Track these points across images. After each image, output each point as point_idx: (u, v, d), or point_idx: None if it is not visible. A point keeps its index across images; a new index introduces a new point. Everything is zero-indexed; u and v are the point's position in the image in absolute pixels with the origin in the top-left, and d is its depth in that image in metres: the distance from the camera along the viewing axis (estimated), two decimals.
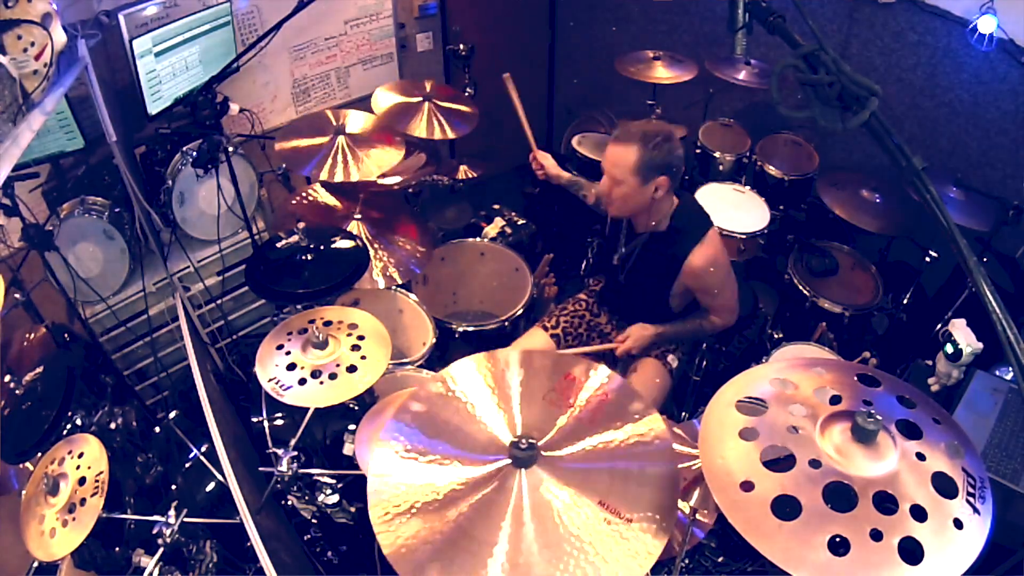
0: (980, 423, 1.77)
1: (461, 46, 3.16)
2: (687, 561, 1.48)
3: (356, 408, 1.90)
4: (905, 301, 2.66)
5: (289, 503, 1.80)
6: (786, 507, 0.95)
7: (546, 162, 2.26)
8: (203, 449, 1.92)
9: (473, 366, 1.27)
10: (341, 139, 2.35)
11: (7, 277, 2.04)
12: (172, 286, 2.56)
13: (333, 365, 1.64)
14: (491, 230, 2.94)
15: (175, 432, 1.95)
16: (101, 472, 1.48)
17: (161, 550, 1.51)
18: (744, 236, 2.59)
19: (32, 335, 1.96)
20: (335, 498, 1.76)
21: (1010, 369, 1.82)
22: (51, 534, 1.42)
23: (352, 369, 1.63)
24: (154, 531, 1.51)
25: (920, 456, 1.01)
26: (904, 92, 2.85)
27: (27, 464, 1.72)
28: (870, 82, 1.05)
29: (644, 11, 3.67)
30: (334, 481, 1.76)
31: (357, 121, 2.51)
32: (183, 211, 2.56)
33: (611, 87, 3.74)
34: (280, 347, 1.69)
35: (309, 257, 1.92)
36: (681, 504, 1.35)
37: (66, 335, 2.08)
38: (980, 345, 1.87)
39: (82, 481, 1.48)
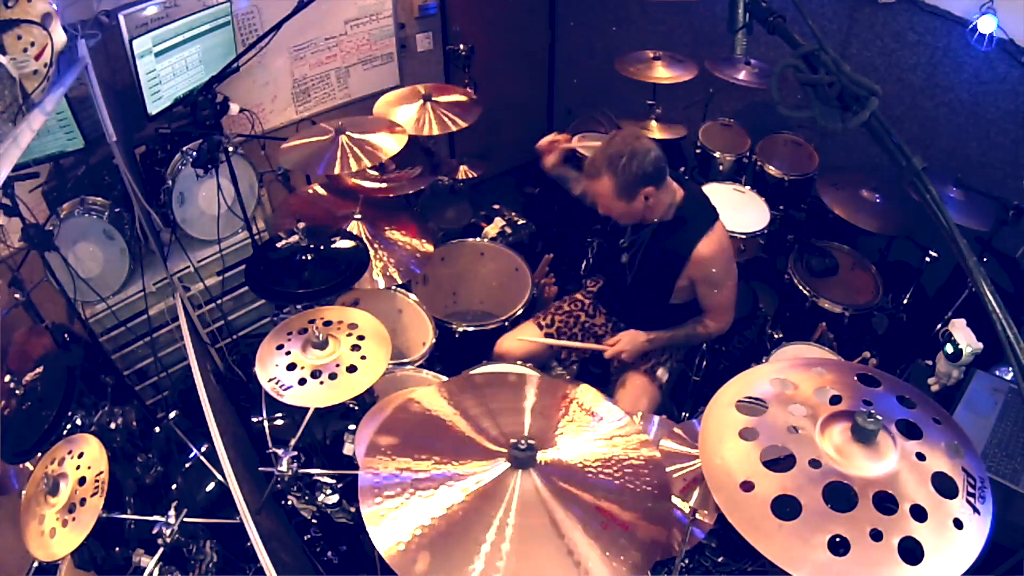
0: (980, 423, 1.77)
1: (461, 46, 3.16)
2: (687, 561, 1.48)
3: (356, 408, 1.90)
4: (905, 301, 2.66)
5: (289, 503, 1.80)
6: (786, 507, 0.95)
7: (556, 138, 2.15)
8: (203, 449, 1.92)
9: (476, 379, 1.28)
10: (343, 138, 2.35)
11: (7, 277, 2.04)
12: (172, 286, 2.56)
13: (333, 365, 1.64)
14: (491, 230, 2.94)
15: (175, 432, 1.95)
16: (101, 472, 1.48)
17: (161, 550, 1.51)
18: (744, 236, 2.59)
19: (32, 335, 1.96)
20: (335, 498, 1.76)
21: (1010, 369, 1.82)
22: (51, 534, 1.42)
23: (352, 369, 1.63)
24: (154, 531, 1.51)
25: (920, 456, 1.01)
26: (904, 92, 2.85)
27: (27, 464, 1.72)
28: (870, 82, 1.05)
29: (644, 11, 3.67)
30: (334, 481, 1.76)
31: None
32: (183, 211, 2.56)
33: (611, 87, 3.74)
34: (280, 347, 1.69)
35: (309, 257, 1.92)
36: (681, 504, 1.35)
37: (66, 335, 2.08)
38: (980, 345, 1.87)
39: (82, 481, 1.48)
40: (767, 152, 2.98)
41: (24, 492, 1.55)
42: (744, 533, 0.94)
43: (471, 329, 2.33)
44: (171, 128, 2.59)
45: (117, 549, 1.63)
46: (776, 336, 2.51)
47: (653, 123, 3.24)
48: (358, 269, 1.96)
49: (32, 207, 2.12)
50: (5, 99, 1.36)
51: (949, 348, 1.91)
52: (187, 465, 1.92)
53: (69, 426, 1.79)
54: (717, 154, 3.03)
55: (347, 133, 2.31)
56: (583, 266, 3.05)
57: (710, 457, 1.05)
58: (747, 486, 0.99)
